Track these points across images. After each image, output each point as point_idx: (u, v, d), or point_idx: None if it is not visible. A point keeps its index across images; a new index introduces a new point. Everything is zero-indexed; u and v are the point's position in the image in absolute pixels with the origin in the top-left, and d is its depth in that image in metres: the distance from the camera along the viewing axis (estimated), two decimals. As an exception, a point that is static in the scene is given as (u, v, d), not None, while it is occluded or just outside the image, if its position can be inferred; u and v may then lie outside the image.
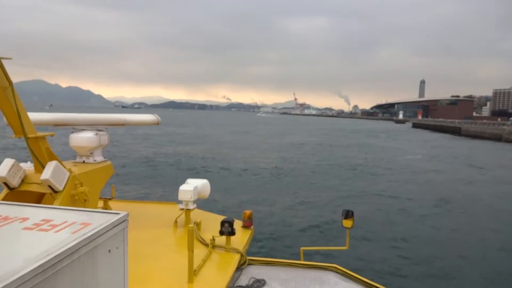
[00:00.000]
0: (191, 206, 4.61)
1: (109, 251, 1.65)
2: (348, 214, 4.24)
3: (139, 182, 19.20)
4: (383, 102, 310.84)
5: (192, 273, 3.23)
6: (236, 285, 3.38)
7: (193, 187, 4.59)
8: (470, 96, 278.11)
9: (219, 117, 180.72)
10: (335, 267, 3.80)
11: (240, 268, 3.72)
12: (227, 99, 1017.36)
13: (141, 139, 44.36)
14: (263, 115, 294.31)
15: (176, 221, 4.69)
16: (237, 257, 3.79)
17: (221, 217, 4.35)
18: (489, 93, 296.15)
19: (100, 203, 4.94)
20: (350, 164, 29.65)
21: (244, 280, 3.48)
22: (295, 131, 77.96)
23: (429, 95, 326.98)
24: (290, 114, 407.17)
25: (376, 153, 38.76)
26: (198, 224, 4.47)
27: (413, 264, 10.20)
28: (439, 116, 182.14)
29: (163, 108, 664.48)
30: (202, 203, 4.91)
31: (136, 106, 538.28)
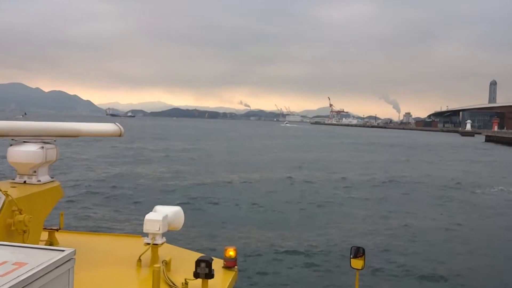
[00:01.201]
0: (159, 240, 4.52)
1: None
2: (358, 252, 4.41)
3: (96, 209, 19.30)
4: (443, 109, 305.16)
5: None
6: None
7: (162, 216, 4.51)
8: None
9: (232, 128, 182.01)
10: None
11: None
12: (245, 105, 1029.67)
13: (107, 154, 45.13)
14: (289, 125, 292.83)
15: (139, 259, 4.59)
16: None
17: (197, 255, 4.36)
18: None
19: (44, 235, 4.92)
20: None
21: None
22: (324, 148, 74.06)
23: (502, 100, 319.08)
24: (324, 124, 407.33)
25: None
26: (167, 264, 4.42)
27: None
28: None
29: (166, 116, 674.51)
30: (174, 237, 5.23)
31: (129, 114, 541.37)
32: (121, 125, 5.76)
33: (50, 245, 4.70)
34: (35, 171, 4.63)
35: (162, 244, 4.59)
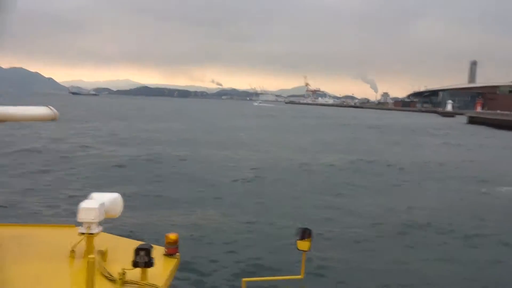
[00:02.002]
0: (95, 229, 4.36)
1: None
2: (305, 234, 4.41)
3: (24, 197, 18.62)
4: (422, 89, 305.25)
5: None
6: None
7: (98, 204, 4.37)
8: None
9: (199, 108, 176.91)
10: None
11: None
12: (217, 84, 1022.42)
13: (39, 133, 42.46)
14: (262, 104, 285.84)
15: (73, 251, 4.42)
16: None
17: (137, 243, 4.20)
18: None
19: None
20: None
21: None
22: (296, 130, 68.07)
23: (482, 80, 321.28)
24: (300, 103, 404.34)
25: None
26: (103, 254, 4.31)
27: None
28: (498, 108, 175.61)
29: (134, 95, 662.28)
30: (112, 225, 5.14)
31: (92, 92, 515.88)
32: (54, 108, 5.33)
33: None
34: None
35: (98, 233, 4.38)
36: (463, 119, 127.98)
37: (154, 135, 47.15)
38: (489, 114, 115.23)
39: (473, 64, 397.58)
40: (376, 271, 12.14)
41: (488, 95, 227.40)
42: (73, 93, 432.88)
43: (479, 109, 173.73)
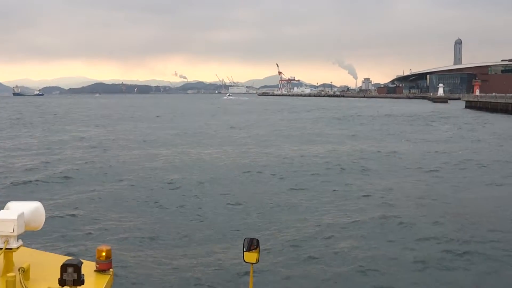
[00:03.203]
0: (14, 243, 4.19)
1: None
2: (251, 244, 4.53)
3: None
4: (406, 73, 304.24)
5: None
6: None
7: (17, 214, 4.21)
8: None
9: (156, 103, 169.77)
10: None
11: None
12: (181, 77, 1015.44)
13: None
14: (231, 97, 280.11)
15: None
16: None
17: (64, 258, 4.18)
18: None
19: None
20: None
21: None
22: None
23: (468, 60, 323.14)
24: (273, 94, 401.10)
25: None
26: (25, 271, 4.09)
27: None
28: (490, 90, 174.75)
29: (88, 93, 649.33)
30: (33, 238, 5.19)
31: (36, 92, 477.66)
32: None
33: None
34: None
35: (18, 248, 4.25)
36: (458, 104, 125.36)
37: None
38: (490, 98, 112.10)
39: (458, 43, 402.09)
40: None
41: (479, 76, 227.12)
42: (14, 94, 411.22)
43: (477, 92, 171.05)
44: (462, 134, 49.94)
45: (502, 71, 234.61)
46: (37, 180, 24.20)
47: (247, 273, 4.67)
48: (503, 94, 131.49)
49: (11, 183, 23.71)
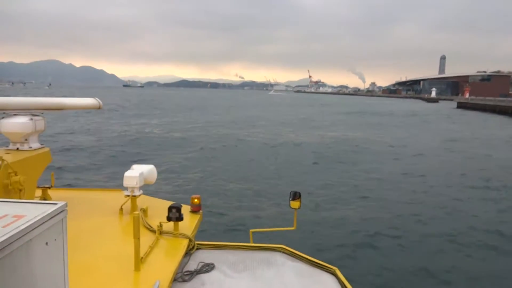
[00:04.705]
0: (137, 192, 4.39)
1: (46, 243, 1.60)
2: (295, 196, 4.34)
3: (82, 170, 17.21)
4: (402, 79, 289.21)
5: (139, 260, 3.14)
6: (184, 270, 3.37)
7: (138, 173, 4.36)
8: (499, 72, 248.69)
9: (228, 97, 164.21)
10: (282, 248, 3.88)
11: (188, 253, 3.71)
12: (240, 77, 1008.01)
13: (84, 124, 36.30)
14: (275, 93, 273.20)
15: (121, 208, 4.45)
16: (185, 243, 3.73)
17: (169, 203, 4.27)
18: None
19: (39, 192, 4.64)
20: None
21: (193, 265, 3.49)
22: (317, 118, 56.72)
23: (449, 71, 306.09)
24: (305, 92, 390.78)
25: None
26: (144, 211, 4.28)
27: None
28: (471, 94, 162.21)
29: (176, 87, 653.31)
30: (149, 189, 4.86)
31: (139, 85, 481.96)
32: (99, 99, 5.21)
33: (44, 200, 4.24)
34: (26, 139, 4.31)
35: (139, 195, 4.47)
36: (448, 104, 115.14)
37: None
38: (479, 100, 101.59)
39: (442, 58, 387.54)
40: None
41: (461, 83, 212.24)
42: (125, 86, 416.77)
43: (467, 95, 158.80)
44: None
45: (480, 80, 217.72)
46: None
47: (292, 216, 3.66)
48: (493, 98, 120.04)
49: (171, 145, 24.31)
